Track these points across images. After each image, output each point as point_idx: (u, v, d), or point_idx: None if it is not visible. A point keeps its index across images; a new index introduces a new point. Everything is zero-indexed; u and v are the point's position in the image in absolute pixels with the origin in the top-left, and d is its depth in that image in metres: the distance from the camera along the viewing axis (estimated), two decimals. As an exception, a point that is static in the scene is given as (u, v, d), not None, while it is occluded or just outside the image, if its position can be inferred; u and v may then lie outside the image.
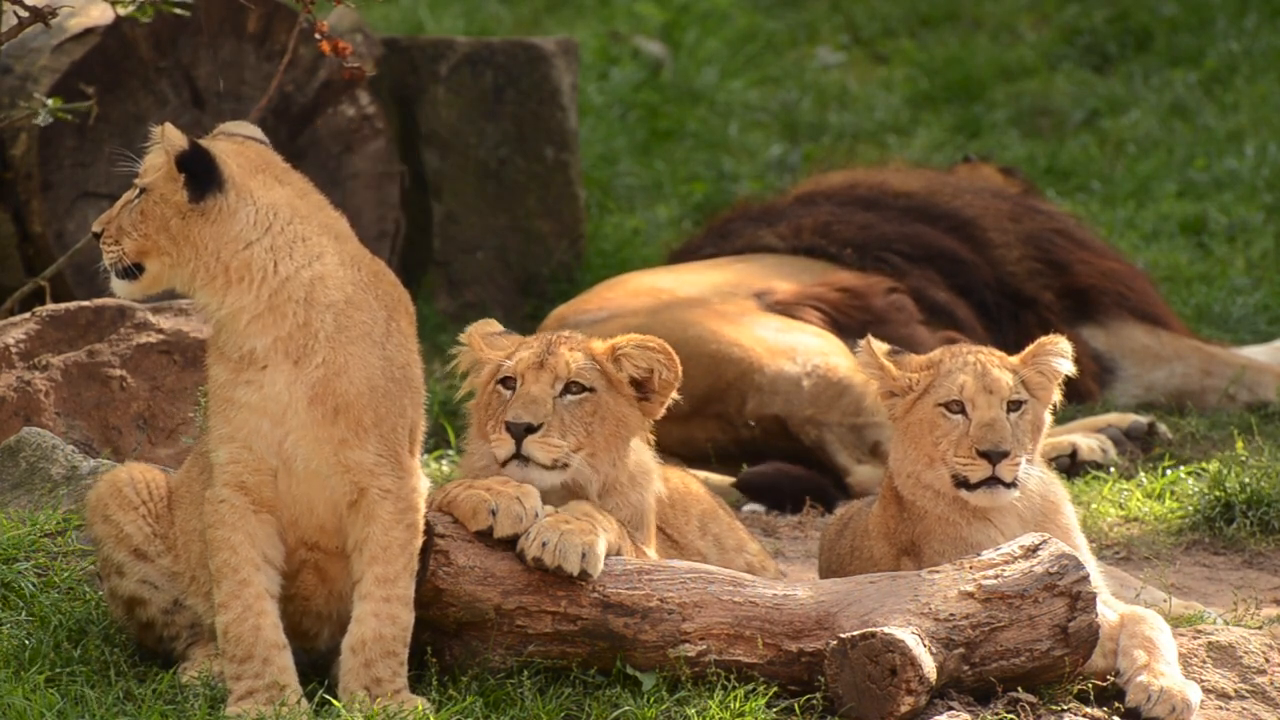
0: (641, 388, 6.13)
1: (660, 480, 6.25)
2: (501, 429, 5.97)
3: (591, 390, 6.05)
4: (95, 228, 5.76)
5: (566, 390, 6.03)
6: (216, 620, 5.70)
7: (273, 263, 5.64)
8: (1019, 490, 6.12)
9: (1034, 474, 6.18)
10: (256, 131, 5.88)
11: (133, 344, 7.62)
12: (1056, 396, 6.26)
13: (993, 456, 6.09)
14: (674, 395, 6.16)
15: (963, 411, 6.15)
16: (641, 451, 6.20)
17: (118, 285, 5.74)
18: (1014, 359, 6.23)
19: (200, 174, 5.63)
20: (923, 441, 6.18)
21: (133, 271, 5.71)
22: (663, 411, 6.16)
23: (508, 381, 6.04)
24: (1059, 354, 6.21)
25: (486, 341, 6.16)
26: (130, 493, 6.03)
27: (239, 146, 5.76)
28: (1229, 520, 7.86)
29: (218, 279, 5.65)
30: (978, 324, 9.63)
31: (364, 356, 5.65)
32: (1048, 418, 6.26)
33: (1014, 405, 6.14)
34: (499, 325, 6.25)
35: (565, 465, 5.99)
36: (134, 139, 5.78)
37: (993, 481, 6.10)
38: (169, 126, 5.67)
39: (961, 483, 6.12)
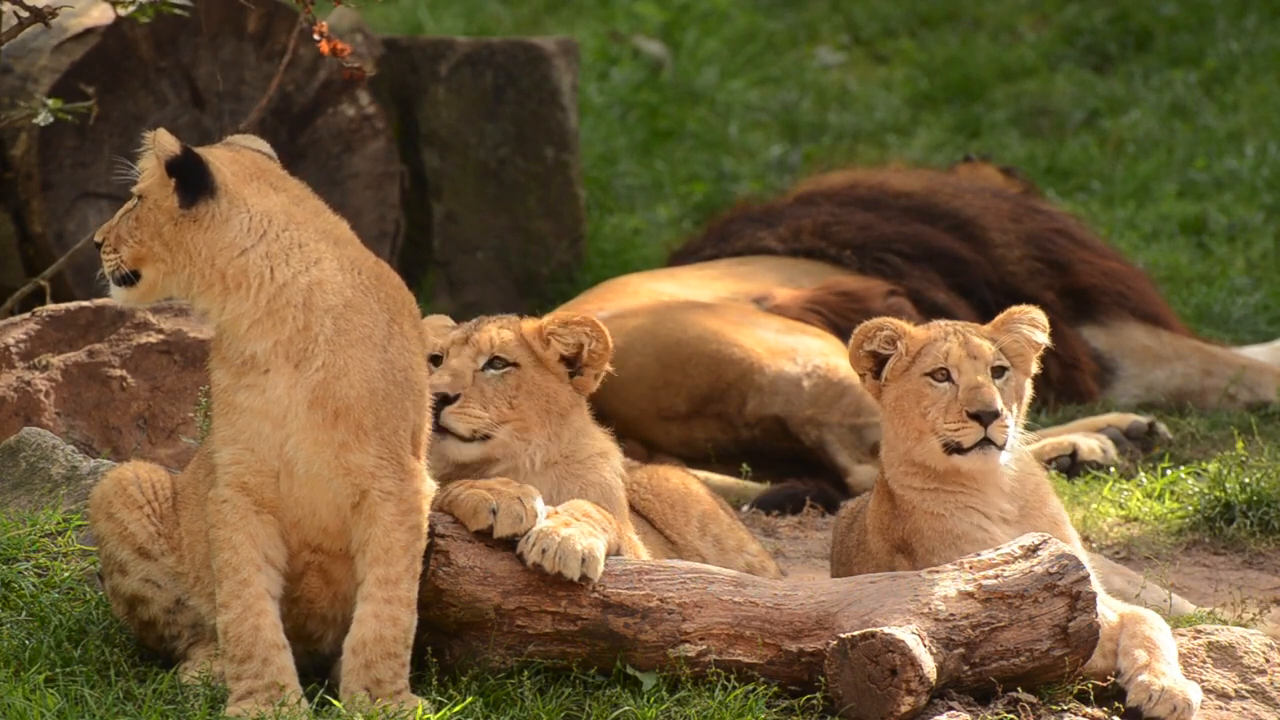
0: (572, 364, 6.19)
1: (620, 459, 6.27)
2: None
3: (515, 365, 6.14)
4: (96, 238, 5.77)
5: (490, 365, 6.12)
6: (217, 620, 5.70)
7: (269, 269, 5.64)
8: (1010, 454, 6.16)
9: (1020, 450, 6.22)
10: (263, 145, 5.88)
11: (133, 344, 7.62)
12: (1035, 368, 6.29)
13: (983, 417, 6.13)
14: (607, 367, 6.24)
15: (949, 379, 6.19)
16: (594, 433, 6.25)
17: (116, 292, 5.75)
18: (987, 327, 6.30)
19: (191, 180, 5.63)
20: (911, 415, 6.22)
21: (130, 278, 5.72)
22: (596, 385, 6.23)
23: (436, 360, 6.12)
24: (1031, 323, 6.28)
25: (436, 334, 6.20)
26: (135, 491, 6.04)
27: (233, 153, 5.76)
28: (1229, 520, 7.86)
29: (215, 286, 5.66)
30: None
31: (364, 360, 5.65)
32: (1028, 390, 6.30)
33: (998, 371, 6.21)
34: (451, 320, 6.31)
35: (487, 437, 6.08)
36: (134, 139, 5.79)
37: (985, 444, 6.13)
38: (161, 132, 5.67)
39: (954, 449, 6.16)
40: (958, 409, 6.16)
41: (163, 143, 5.65)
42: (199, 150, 5.68)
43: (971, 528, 6.21)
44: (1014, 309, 6.33)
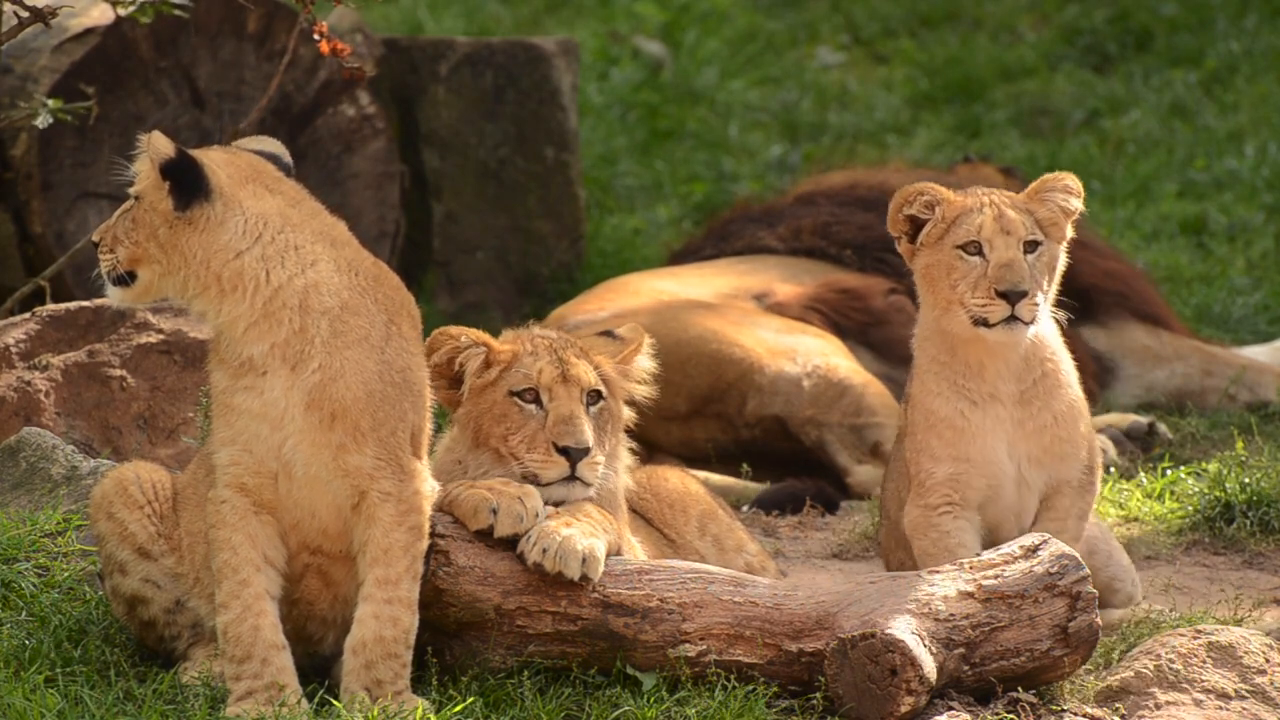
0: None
1: (627, 459, 6.22)
2: (548, 449, 5.91)
3: (605, 399, 6.06)
4: (94, 237, 5.77)
5: (590, 401, 6.02)
6: (217, 620, 5.70)
7: (264, 272, 5.64)
8: (1035, 327, 6.19)
9: (1045, 328, 6.25)
10: (273, 145, 5.87)
11: (133, 344, 7.62)
12: (1070, 233, 6.29)
13: (1011, 296, 6.15)
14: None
15: (980, 253, 6.20)
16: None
17: (112, 292, 5.76)
18: (1022, 196, 6.29)
19: (186, 183, 5.63)
20: (940, 285, 6.24)
21: (126, 279, 5.72)
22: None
23: (528, 394, 6.00)
24: (1066, 190, 6.28)
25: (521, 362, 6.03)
26: (135, 491, 6.04)
27: (229, 156, 5.76)
28: (1229, 520, 7.86)
29: (211, 288, 5.66)
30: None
31: (360, 361, 5.64)
32: (1063, 259, 6.31)
33: (1030, 246, 6.22)
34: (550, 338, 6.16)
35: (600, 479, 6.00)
36: (134, 139, 5.78)
37: (1012, 319, 6.15)
38: (156, 134, 5.67)
39: (980, 322, 6.18)
40: (986, 285, 6.17)
41: (157, 145, 5.65)
42: (194, 153, 5.68)
43: (954, 413, 6.28)
44: (1049, 176, 6.33)
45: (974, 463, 6.29)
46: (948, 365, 6.32)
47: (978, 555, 6.04)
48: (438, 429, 6.04)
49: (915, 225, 6.31)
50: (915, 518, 6.35)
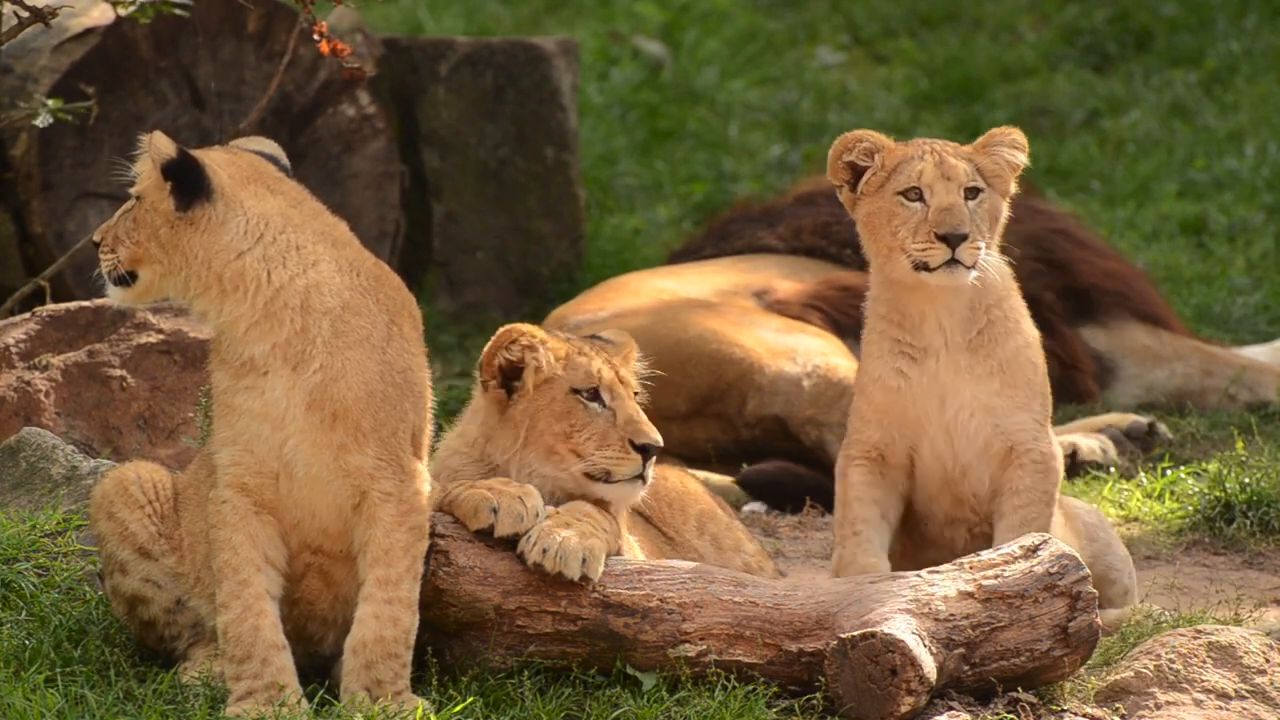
0: None
1: None
2: (623, 446, 5.95)
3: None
4: (95, 237, 5.77)
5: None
6: (217, 620, 5.70)
7: (266, 272, 5.64)
8: (978, 271, 6.22)
9: (991, 276, 6.28)
10: (271, 146, 5.87)
11: (133, 344, 7.62)
12: (1013, 189, 6.34)
13: (951, 240, 6.20)
14: None
15: (921, 199, 6.25)
16: None
17: (113, 292, 5.76)
18: (967, 148, 6.33)
19: (187, 183, 5.63)
20: (881, 232, 6.31)
21: (127, 279, 5.72)
22: None
23: (590, 393, 6.01)
24: (1013, 144, 6.35)
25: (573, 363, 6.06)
26: (136, 491, 6.04)
27: (231, 156, 5.76)
28: (1229, 520, 7.86)
29: (212, 288, 5.66)
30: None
31: (361, 361, 5.64)
32: (1005, 210, 6.35)
33: (971, 192, 6.27)
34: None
35: None
36: (134, 139, 5.78)
37: (953, 262, 6.19)
38: (157, 135, 5.67)
39: (921, 266, 6.22)
40: (927, 230, 6.23)
41: (158, 145, 5.64)
42: (196, 153, 5.68)
43: (888, 372, 6.35)
44: (995, 130, 6.39)
45: (898, 426, 6.34)
46: (894, 323, 6.40)
47: (885, 517, 6.29)
48: (438, 429, 6.04)
49: (855, 173, 6.36)
50: (838, 465, 6.51)
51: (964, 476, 6.40)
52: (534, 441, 6.02)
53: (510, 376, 6.05)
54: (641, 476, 5.97)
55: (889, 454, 6.41)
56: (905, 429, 6.37)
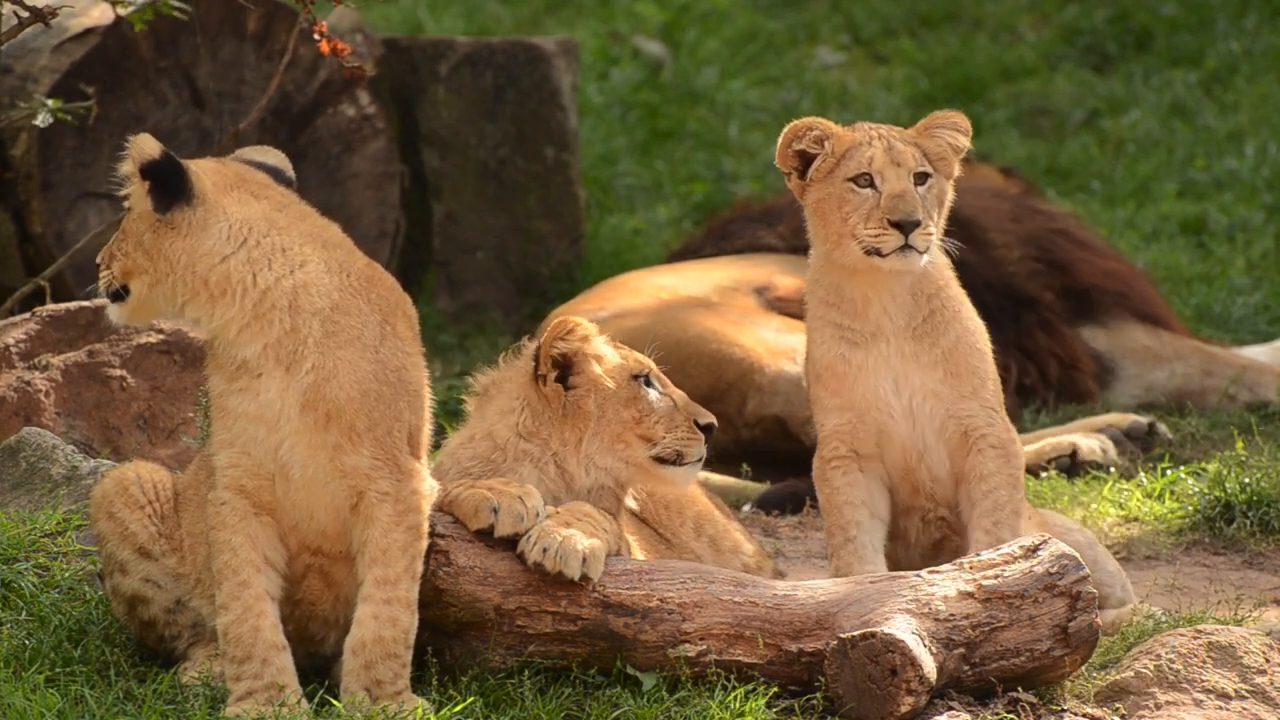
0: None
1: None
2: (690, 429, 6.08)
3: None
4: (97, 259, 5.79)
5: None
6: (217, 621, 5.71)
7: (251, 275, 5.65)
8: (928, 256, 6.25)
9: (937, 262, 6.34)
10: (274, 156, 5.87)
11: (133, 344, 7.62)
12: (957, 171, 6.37)
13: (905, 226, 6.23)
14: None
15: (871, 185, 6.27)
16: None
17: (110, 310, 5.79)
18: (910, 131, 6.37)
19: (167, 185, 5.63)
20: (832, 219, 6.34)
21: (121, 294, 5.74)
22: None
23: (645, 379, 6.12)
24: (955, 127, 6.38)
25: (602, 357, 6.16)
26: (136, 491, 6.04)
27: (217, 164, 5.80)
28: (1229, 520, 7.86)
29: (200, 294, 5.66)
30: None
31: (354, 361, 5.64)
32: (950, 194, 6.38)
33: (920, 178, 6.29)
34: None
35: None
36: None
37: (905, 248, 6.22)
38: (143, 136, 5.68)
39: (874, 252, 6.25)
40: (879, 216, 6.25)
41: (141, 146, 5.65)
42: (180, 159, 5.68)
43: (835, 359, 6.36)
44: (938, 113, 6.43)
45: (859, 408, 6.34)
46: (834, 307, 6.40)
47: (875, 515, 6.30)
48: (439, 429, 6.04)
49: (805, 161, 6.37)
50: (815, 470, 6.49)
51: (921, 461, 6.41)
52: (602, 431, 6.06)
53: (565, 368, 6.08)
54: (700, 461, 6.08)
55: (859, 445, 6.40)
56: (866, 411, 6.37)
